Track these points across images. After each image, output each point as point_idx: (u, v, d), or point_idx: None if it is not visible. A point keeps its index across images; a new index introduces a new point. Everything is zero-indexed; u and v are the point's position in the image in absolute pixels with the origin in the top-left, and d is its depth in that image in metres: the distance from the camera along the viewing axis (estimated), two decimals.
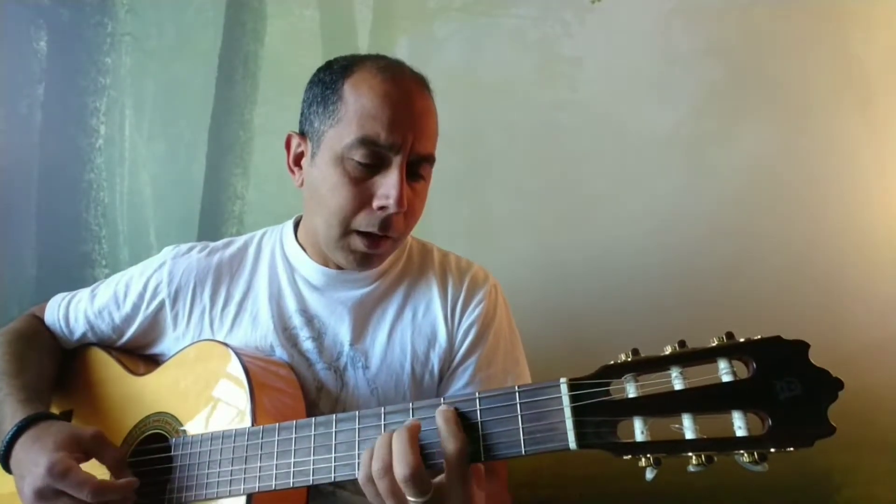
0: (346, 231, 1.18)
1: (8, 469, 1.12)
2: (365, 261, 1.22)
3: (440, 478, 0.90)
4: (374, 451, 0.91)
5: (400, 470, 0.87)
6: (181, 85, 2.51)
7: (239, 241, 1.42)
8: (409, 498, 0.88)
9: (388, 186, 1.14)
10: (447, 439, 0.89)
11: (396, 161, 1.15)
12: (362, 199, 1.16)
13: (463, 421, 0.90)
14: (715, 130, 2.20)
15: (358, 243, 1.18)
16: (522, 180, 2.29)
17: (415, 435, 0.90)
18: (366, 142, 1.14)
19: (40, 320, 1.43)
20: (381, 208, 1.15)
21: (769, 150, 2.16)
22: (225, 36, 2.47)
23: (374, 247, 1.19)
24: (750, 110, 2.19)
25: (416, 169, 1.19)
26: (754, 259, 2.11)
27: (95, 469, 1.09)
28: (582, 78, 2.29)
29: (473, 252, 1.44)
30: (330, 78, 1.22)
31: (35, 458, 1.05)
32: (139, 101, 2.52)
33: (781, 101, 2.17)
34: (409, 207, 1.18)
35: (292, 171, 1.30)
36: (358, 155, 1.15)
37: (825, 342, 1.96)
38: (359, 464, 0.94)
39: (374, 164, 1.16)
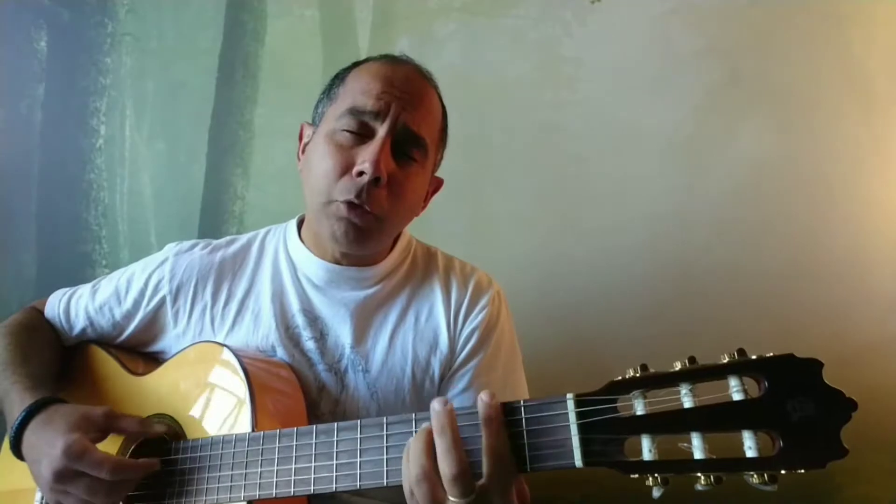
0: (329, 199, 1.18)
1: (20, 456, 1.11)
2: (348, 232, 1.18)
3: (481, 481, 0.85)
4: (409, 455, 0.87)
5: (447, 468, 0.83)
6: (181, 85, 2.50)
7: (242, 238, 1.41)
8: (452, 498, 0.83)
9: (367, 152, 1.15)
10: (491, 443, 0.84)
11: (381, 130, 1.17)
12: (345, 165, 1.17)
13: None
14: (715, 130, 2.19)
15: (341, 208, 1.16)
16: (522, 180, 2.28)
17: (456, 430, 0.85)
18: (353, 111, 1.18)
19: (41, 313, 1.42)
20: (360, 174, 1.15)
21: (769, 149, 2.15)
22: (225, 36, 2.46)
23: (355, 215, 1.16)
24: (750, 110, 2.18)
25: (405, 148, 1.20)
26: (754, 259, 2.10)
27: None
28: (582, 78, 2.28)
29: (473, 252, 1.44)
30: (341, 72, 1.29)
31: (50, 441, 1.04)
32: (139, 101, 2.51)
33: (781, 102, 2.16)
34: (394, 186, 1.18)
35: (299, 160, 1.32)
36: (346, 124, 1.18)
37: (825, 342, 1.98)
38: (361, 474, 0.94)
39: (361, 133, 1.18)
